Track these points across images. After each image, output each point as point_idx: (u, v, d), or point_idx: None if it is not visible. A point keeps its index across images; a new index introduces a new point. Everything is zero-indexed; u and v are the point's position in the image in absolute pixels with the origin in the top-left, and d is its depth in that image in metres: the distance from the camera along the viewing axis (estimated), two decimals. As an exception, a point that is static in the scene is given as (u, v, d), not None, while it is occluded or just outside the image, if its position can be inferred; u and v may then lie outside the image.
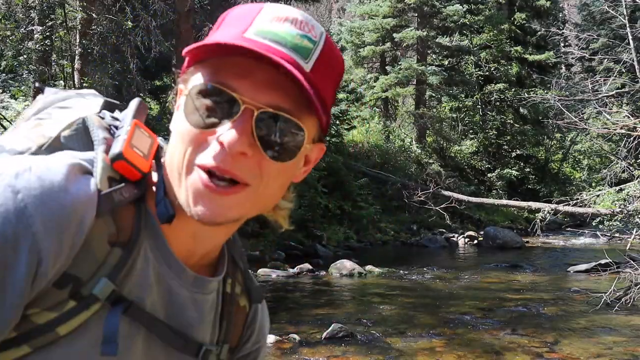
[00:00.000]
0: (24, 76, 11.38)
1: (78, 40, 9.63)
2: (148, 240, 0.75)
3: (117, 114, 0.84)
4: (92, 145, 0.76)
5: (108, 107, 0.85)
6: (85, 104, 0.87)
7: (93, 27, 9.87)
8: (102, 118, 0.81)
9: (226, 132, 0.69)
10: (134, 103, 0.82)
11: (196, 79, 0.73)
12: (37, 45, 8.75)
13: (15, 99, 11.43)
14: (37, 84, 1.03)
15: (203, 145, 0.71)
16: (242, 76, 0.70)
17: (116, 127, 0.79)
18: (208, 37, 0.75)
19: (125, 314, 0.72)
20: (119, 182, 0.73)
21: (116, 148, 0.73)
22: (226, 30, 0.74)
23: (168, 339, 0.77)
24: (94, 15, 9.70)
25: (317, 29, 0.74)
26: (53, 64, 9.72)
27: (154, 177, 0.78)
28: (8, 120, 9.40)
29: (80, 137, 0.78)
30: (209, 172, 0.70)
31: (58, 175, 0.67)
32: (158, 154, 0.79)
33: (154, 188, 0.78)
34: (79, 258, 0.68)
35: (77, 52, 9.56)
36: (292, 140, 0.72)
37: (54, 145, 0.79)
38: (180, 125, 0.73)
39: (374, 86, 21.61)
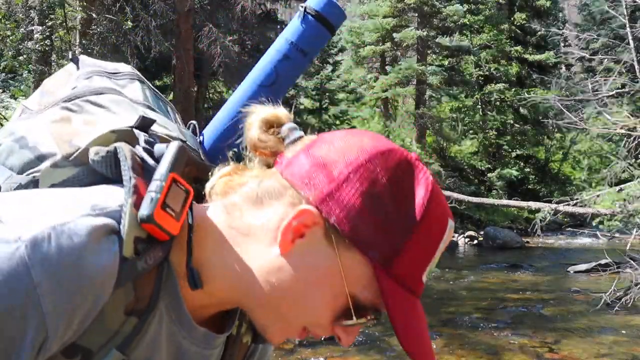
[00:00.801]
0: (24, 76, 11.38)
1: (78, 40, 9.63)
2: (165, 299, 0.70)
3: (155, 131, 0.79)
4: (121, 177, 0.68)
5: (144, 124, 0.77)
6: (120, 109, 0.81)
7: (93, 27, 9.87)
8: (136, 137, 0.74)
9: (352, 335, 0.74)
10: (173, 149, 0.71)
11: (363, 281, 0.70)
12: (37, 45, 8.75)
13: (15, 99, 11.44)
14: (70, 55, 0.93)
15: (330, 322, 0.72)
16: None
17: (149, 158, 0.72)
18: (412, 223, 0.70)
19: None
20: (145, 241, 0.66)
21: (146, 209, 0.65)
22: (419, 255, 0.71)
23: None
24: (94, 15, 9.70)
25: None
26: (53, 64, 9.71)
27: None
28: (8, 120, 9.41)
29: (109, 165, 0.71)
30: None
31: (79, 248, 0.60)
32: (191, 209, 0.71)
33: (186, 246, 0.72)
34: (90, 330, 0.64)
35: (77, 52, 9.56)
36: None
37: (82, 161, 0.73)
38: (325, 300, 0.71)
39: (374, 86, 21.61)
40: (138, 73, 0.94)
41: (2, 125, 8.80)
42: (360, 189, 0.68)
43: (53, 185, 0.73)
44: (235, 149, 0.82)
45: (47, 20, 9.24)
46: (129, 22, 10.15)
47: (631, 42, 10.20)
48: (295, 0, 16.62)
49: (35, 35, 8.91)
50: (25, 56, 9.26)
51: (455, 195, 16.86)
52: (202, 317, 0.76)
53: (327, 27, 1.04)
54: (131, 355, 0.68)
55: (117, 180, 0.70)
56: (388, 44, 21.69)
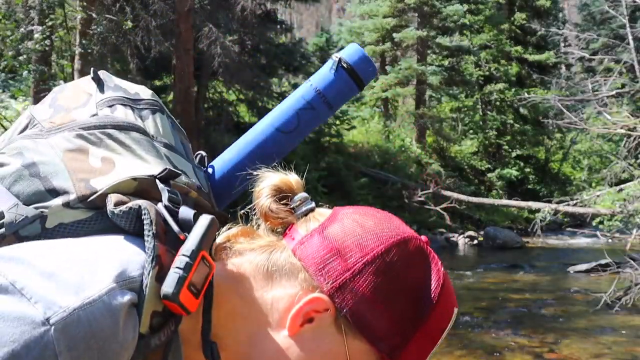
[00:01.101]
0: (23, 76, 11.38)
1: (78, 40, 9.63)
2: None
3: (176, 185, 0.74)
4: (141, 230, 0.65)
5: (168, 176, 0.73)
6: (142, 152, 0.76)
7: (93, 27, 9.86)
8: (157, 188, 0.71)
9: None
10: (204, 222, 0.67)
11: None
12: (37, 45, 8.75)
13: (15, 99, 11.43)
14: (95, 72, 0.85)
15: None
16: None
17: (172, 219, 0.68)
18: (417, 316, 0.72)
19: None
20: (161, 315, 0.63)
21: (171, 287, 0.62)
22: (426, 345, 0.72)
23: None
24: (94, 15, 9.70)
25: None
26: (53, 64, 9.72)
27: None
28: (8, 120, 9.40)
29: (130, 222, 0.67)
30: None
31: (107, 331, 0.57)
32: (210, 287, 0.68)
33: (202, 319, 0.70)
34: None
35: (77, 52, 9.57)
36: None
37: (97, 205, 0.69)
38: None
39: (374, 86, 21.61)
40: (159, 100, 0.89)
41: (2, 125, 8.80)
42: (375, 281, 0.69)
43: (61, 224, 0.68)
44: (245, 209, 0.80)
45: (47, 20, 9.24)
46: (129, 22, 10.15)
47: (631, 42, 10.21)
48: (296, 0, 16.63)
49: (35, 35, 8.90)
50: (25, 56, 9.25)
51: (456, 195, 16.89)
52: None
53: (357, 83, 1.01)
54: None
55: (132, 233, 0.67)
56: (388, 44, 21.69)
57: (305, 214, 0.75)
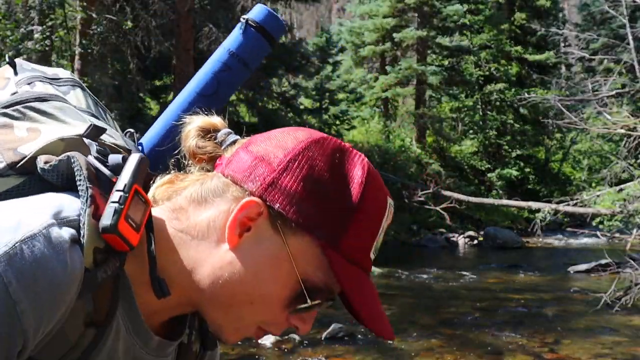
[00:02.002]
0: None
1: (78, 40, 9.63)
2: (122, 309, 0.71)
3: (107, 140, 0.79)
4: (74, 185, 0.68)
5: (94, 133, 0.76)
6: (66, 117, 0.79)
7: (93, 27, 9.87)
8: (86, 146, 0.73)
9: (308, 323, 0.75)
10: (134, 160, 0.71)
11: (314, 263, 0.72)
12: (37, 45, 8.74)
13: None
14: (8, 56, 0.93)
15: (285, 311, 0.74)
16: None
17: (105, 169, 0.72)
18: (347, 204, 0.73)
19: None
20: (103, 251, 0.66)
21: (109, 219, 0.65)
22: (364, 234, 0.74)
23: None
24: (94, 15, 9.70)
25: None
26: (53, 64, 9.71)
27: None
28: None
29: (61, 174, 0.70)
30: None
31: (52, 260, 0.60)
32: (150, 221, 0.71)
33: (147, 256, 0.72)
34: (51, 342, 0.64)
35: (77, 52, 9.57)
36: None
37: (27, 170, 0.71)
38: (276, 289, 0.72)
39: (374, 86, 21.61)
40: (78, 79, 0.94)
41: None
42: (300, 174, 0.71)
43: None
44: (175, 159, 0.85)
45: (47, 20, 9.24)
46: (129, 22, 10.15)
47: (631, 42, 10.21)
48: (296, 0, 16.63)
49: (35, 35, 8.90)
50: (25, 56, 9.25)
51: (456, 195, 16.89)
52: (154, 324, 0.76)
53: (268, 39, 1.06)
54: None
55: (65, 190, 0.70)
56: (388, 44, 21.69)
57: (231, 144, 0.78)
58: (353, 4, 25.71)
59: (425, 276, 10.31)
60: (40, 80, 0.87)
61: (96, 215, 0.66)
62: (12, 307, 0.57)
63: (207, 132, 0.80)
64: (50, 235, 0.61)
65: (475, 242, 16.17)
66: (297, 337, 5.93)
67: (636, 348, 5.99)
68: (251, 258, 0.71)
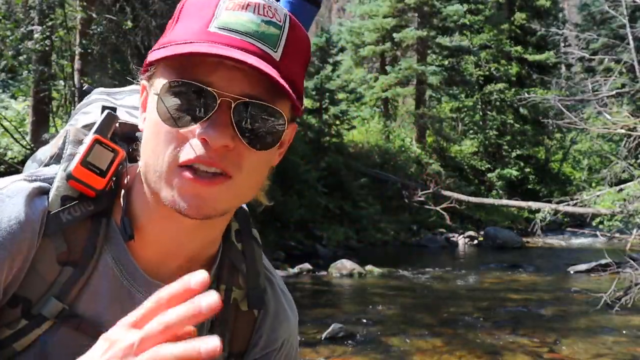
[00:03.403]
0: (23, 76, 11.37)
1: (78, 40, 9.61)
2: (111, 253, 0.76)
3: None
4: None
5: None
6: (97, 110, 0.91)
7: (93, 27, 9.86)
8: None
9: (206, 127, 0.68)
10: (102, 115, 0.83)
11: (165, 77, 0.70)
12: (37, 45, 8.73)
13: (15, 99, 11.43)
14: (84, 86, 1.04)
15: (183, 142, 0.69)
16: (213, 70, 0.68)
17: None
18: (169, 30, 0.74)
19: (78, 330, 0.72)
20: (75, 199, 0.75)
21: (69, 167, 0.75)
22: (188, 23, 0.72)
23: None
24: (94, 15, 9.69)
25: (280, 12, 0.74)
26: (53, 63, 9.70)
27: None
28: (8, 120, 9.40)
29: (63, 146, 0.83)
30: (192, 168, 0.69)
31: (12, 205, 0.71)
32: (122, 167, 0.79)
33: (121, 200, 0.78)
34: (27, 280, 0.72)
35: (77, 52, 9.56)
36: (272, 127, 0.72)
37: (59, 156, 0.82)
38: (155, 126, 0.71)
39: (374, 86, 21.60)
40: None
41: (2, 125, 8.80)
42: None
43: None
44: None
45: (47, 20, 9.22)
46: (129, 22, 10.14)
47: (631, 42, 10.20)
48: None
49: (35, 35, 8.89)
50: (25, 56, 9.25)
51: (456, 195, 16.89)
52: (179, 268, 0.78)
53: (312, 2, 1.22)
54: (75, 307, 0.73)
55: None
56: (388, 44, 21.68)
57: None
58: (353, 4, 25.70)
59: (425, 276, 10.31)
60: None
61: None
62: None
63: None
64: (12, 187, 0.73)
65: (475, 242, 16.17)
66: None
67: (636, 348, 5.99)
68: (150, 112, 0.75)
